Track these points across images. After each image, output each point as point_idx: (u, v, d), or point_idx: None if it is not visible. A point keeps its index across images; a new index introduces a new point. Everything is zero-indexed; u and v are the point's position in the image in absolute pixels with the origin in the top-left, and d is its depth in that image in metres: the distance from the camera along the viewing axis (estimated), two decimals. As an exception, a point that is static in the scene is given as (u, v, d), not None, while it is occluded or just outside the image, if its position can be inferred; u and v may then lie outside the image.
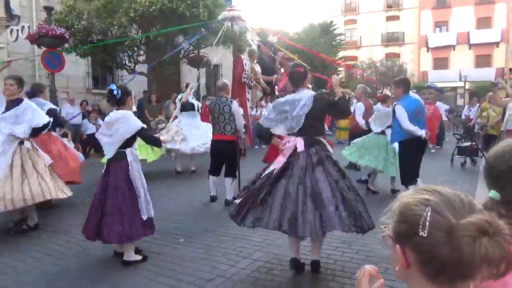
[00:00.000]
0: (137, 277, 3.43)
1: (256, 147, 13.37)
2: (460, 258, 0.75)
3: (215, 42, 7.21)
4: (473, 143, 9.37)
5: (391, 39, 35.96)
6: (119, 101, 3.76)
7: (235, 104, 5.75)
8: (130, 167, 3.70)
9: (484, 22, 32.63)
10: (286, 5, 59.15)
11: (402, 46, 35.40)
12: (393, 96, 6.00)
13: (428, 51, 34.50)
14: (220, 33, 6.47)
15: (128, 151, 3.76)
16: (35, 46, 11.32)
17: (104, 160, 3.93)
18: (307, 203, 3.14)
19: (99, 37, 11.81)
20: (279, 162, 3.39)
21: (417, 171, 5.34)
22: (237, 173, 5.96)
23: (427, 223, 0.78)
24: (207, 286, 3.24)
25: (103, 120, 4.12)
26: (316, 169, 3.28)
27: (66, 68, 10.63)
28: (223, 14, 6.27)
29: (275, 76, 11.27)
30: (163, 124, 12.21)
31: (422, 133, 5.14)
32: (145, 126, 3.87)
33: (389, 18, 36.02)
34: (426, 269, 0.80)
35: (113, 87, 3.76)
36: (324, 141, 3.52)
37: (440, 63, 33.97)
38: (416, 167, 5.33)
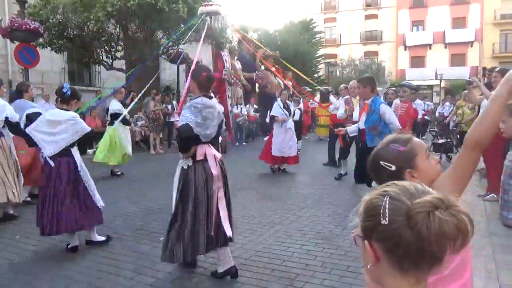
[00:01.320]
0: (115, 276, 3.37)
1: (237, 144, 13.36)
2: (417, 235, 0.77)
3: (202, 39, 7.09)
4: (448, 140, 9.62)
5: (370, 37, 36.47)
6: (64, 99, 3.86)
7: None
8: (78, 164, 3.84)
9: (459, 22, 33.50)
10: (266, 2, 59.29)
11: (381, 44, 35.95)
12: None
13: (405, 49, 35.17)
14: (203, 28, 6.41)
15: (74, 149, 3.87)
16: (8, 40, 10.95)
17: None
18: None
19: (75, 32, 11.51)
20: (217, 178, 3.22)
21: None
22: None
23: (387, 211, 0.80)
24: (187, 284, 3.22)
25: (80, 115, 4.16)
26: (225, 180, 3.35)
27: (40, 63, 10.32)
28: (201, 9, 6.20)
29: (256, 73, 11.28)
30: (142, 121, 12.05)
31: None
32: (92, 128, 4.06)
33: (367, 17, 36.53)
34: (392, 257, 0.82)
35: (66, 85, 3.91)
36: None
37: (417, 62, 34.71)
38: None
